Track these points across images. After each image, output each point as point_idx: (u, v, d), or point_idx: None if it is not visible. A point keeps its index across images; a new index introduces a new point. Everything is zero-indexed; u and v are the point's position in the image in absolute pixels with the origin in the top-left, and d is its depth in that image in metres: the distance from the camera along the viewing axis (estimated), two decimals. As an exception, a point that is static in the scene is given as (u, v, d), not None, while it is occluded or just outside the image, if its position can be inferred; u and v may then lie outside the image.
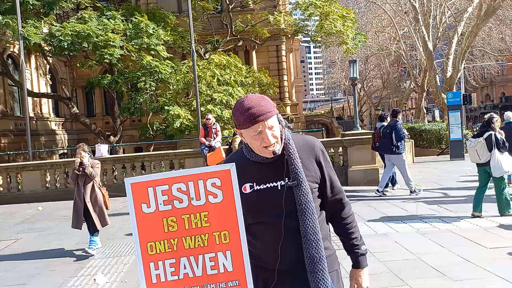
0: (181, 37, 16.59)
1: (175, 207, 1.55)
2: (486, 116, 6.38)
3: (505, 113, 9.42)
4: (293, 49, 29.40)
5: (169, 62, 15.29)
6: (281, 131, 1.64)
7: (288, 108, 23.56)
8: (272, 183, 1.64)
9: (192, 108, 13.62)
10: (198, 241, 1.55)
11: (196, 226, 1.54)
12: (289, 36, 22.74)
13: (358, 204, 7.68)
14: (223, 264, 1.55)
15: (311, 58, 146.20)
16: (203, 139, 9.26)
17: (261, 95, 1.65)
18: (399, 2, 25.23)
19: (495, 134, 5.98)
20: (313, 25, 17.51)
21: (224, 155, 8.97)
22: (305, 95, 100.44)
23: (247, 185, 1.66)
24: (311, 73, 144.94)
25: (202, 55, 17.00)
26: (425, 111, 32.40)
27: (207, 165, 9.64)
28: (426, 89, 28.27)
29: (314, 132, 23.67)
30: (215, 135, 9.28)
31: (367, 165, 9.65)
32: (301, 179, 1.61)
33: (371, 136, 9.38)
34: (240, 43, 19.92)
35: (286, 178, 1.62)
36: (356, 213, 6.68)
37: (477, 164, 6.20)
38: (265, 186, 1.65)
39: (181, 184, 1.54)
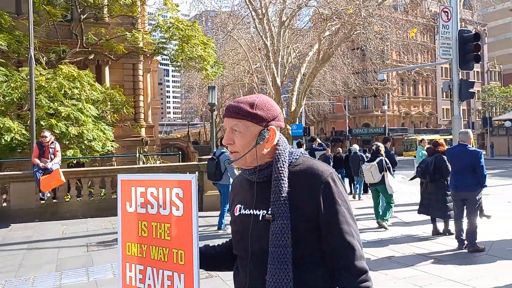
0: (17, 41, 14.38)
1: (148, 212, 1.45)
2: (374, 146, 7.89)
3: (353, 145, 12.46)
4: (151, 69, 28.72)
5: (1, 68, 13.03)
6: (254, 149, 1.33)
7: (143, 130, 22.62)
8: (256, 210, 1.34)
9: (29, 122, 11.77)
10: (160, 254, 1.42)
11: (160, 237, 1.42)
12: (148, 55, 22.17)
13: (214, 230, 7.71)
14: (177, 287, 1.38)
15: (169, 82, 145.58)
16: (36, 160, 8.04)
17: (270, 99, 1.41)
18: (252, 39, 27.38)
19: (384, 159, 7.47)
20: (174, 48, 17.48)
21: (63, 178, 7.91)
22: (162, 118, 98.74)
23: (238, 207, 1.42)
24: (169, 96, 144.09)
25: (44, 64, 15.06)
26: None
27: (40, 191, 8.36)
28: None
29: (170, 155, 23.21)
30: (52, 156, 8.15)
31: (222, 189, 9.80)
32: (279, 213, 1.25)
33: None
34: (92, 57, 18.44)
35: (269, 208, 1.29)
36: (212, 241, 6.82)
37: (369, 184, 7.67)
38: (249, 212, 1.36)
39: (154, 188, 1.44)
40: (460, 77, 10.22)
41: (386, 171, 7.42)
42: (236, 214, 1.41)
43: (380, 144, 7.95)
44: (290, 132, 19.48)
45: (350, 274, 1.26)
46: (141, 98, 23.12)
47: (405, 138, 45.27)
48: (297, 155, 1.39)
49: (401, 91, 51.18)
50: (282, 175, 1.30)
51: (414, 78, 50.78)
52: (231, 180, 7.43)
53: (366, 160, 8.00)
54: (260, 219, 1.31)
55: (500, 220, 7.87)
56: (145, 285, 1.45)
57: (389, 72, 34.48)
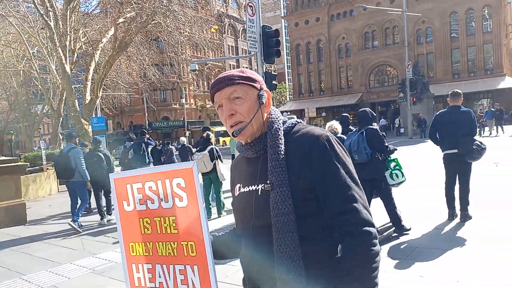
0: None
1: (149, 208, 1.38)
2: (204, 134, 7.70)
3: (181, 138, 12.58)
4: None
5: None
6: (260, 111, 1.27)
7: None
8: (253, 186, 1.28)
9: None
10: (168, 249, 1.35)
11: (166, 231, 1.34)
12: None
13: (5, 253, 5.81)
14: (192, 281, 1.31)
15: None
16: None
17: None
18: (28, 18, 22.99)
19: (214, 147, 7.37)
20: None
21: None
22: None
23: (237, 186, 1.37)
24: None
25: None
26: (61, 137, 31.02)
27: None
28: (62, 114, 27.14)
29: None
30: None
31: (11, 201, 7.60)
32: (281, 181, 1.18)
33: (18, 164, 7.60)
34: None
35: (268, 181, 1.21)
36: (7, 267, 5.12)
37: (202, 173, 7.30)
38: (244, 190, 1.31)
39: (152, 182, 1.36)
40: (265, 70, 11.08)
41: (217, 159, 7.33)
42: (235, 195, 1.38)
43: (210, 132, 7.86)
44: (86, 126, 17.19)
45: (356, 240, 1.16)
46: None
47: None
48: (292, 123, 1.34)
49: (196, 84, 53.37)
50: (279, 142, 1.25)
51: (207, 72, 53.73)
52: (85, 177, 7.19)
53: (195, 150, 7.68)
54: (260, 193, 1.25)
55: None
56: (156, 284, 1.38)
57: (186, 65, 35.29)
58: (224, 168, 7.51)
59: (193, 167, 1.29)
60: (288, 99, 68.15)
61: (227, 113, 1.27)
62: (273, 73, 11.36)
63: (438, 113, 5.83)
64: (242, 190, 1.34)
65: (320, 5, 49.15)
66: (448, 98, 5.65)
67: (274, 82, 10.96)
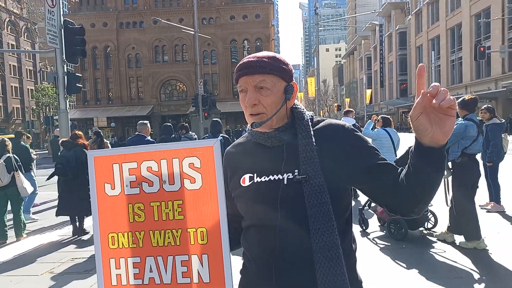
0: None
1: (144, 191, 1.20)
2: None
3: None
4: None
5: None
6: (285, 105, 1.23)
7: None
8: (276, 175, 1.21)
9: None
10: (169, 238, 1.19)
11: (167, 218, 1.19)
12: None
13: None
14: (198, 272, 1.18)
15: None
16: None
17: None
18: None
19: (13, 156, 5.95)
20: None
21: None
22: None
23: (247, 176, 1.27)
24: None
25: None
26: None
27: None
28: None
29: None
30: None
31: None
32: (315, 171, 1.16)
33: None
34: None
35: (296, 170, 1.18)
36: None
37: None
38: (267, 179, 1.22)
39: (152, 162, 1.19)
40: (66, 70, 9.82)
41: (16, 171, 6.00)
42: (245, 185, 1.27)
43: (6, 138, 6.28)
44: None
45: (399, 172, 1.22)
46: None
47: None
48: (311, 115, 1.32)
49: None
50: (310, 133, 1.23)
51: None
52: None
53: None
54: (286, 182, 1.20)
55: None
56: (145, 280, 1.20)
57: None
58: (26, 180, 6.23)
59: (214, 145, 1.18)
60: (69, 105, 61.31)
61: (251, 102, 1.22)
62: (76, 74, 10.17)
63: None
64: (258, 179, 1.25)
65: (108, 10, 46.92)
66: None
67: (78, 84, 9.81)
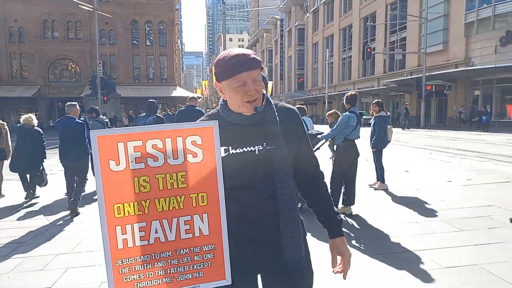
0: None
1: (149, 166, 1.31)
2: None
3: None
4: None
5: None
6: (263, 90, 1.55)
7: None
8: (249, 147, 1.53)
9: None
10: (173, 203, 1.36)
11: (172, 187, 1.35)
12: None
13: None
14: (199, 228, 1.39)
15: None
16: None
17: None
18: None
19: None
20: None
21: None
22: None
23: (222, 149, 1.50)
24: None
25: None
26: None
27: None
28: None
29: None
30: None
31: None
32: (280, 144, 1.52)
33: None
34: None
35: (265, 143, 1.53)
36: None
37: None
38: (241, 150, 1.52)
39: (157, 140, 1.31)
40: None
41: None
42: (225, 154, 1.50)
43: None
44: None
45: (319, 178, 1.71)
46: None
47: None
48: (268, 97, 1.63)
49: None
50: (275, 114, 1.55)
51: None
52: None
53: None
54: (257, 152, 1.52)
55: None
56: (151, 240, 1.35)
57: None
58: None
59: (214, 126, 1.37)
60: None
61: (254, 93, 1.48)
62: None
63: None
64: (234, 151, 1.52)
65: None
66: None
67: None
